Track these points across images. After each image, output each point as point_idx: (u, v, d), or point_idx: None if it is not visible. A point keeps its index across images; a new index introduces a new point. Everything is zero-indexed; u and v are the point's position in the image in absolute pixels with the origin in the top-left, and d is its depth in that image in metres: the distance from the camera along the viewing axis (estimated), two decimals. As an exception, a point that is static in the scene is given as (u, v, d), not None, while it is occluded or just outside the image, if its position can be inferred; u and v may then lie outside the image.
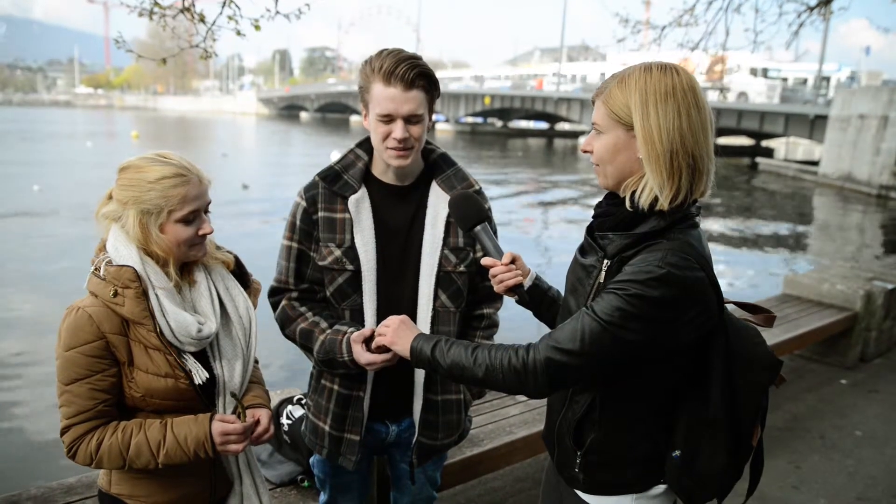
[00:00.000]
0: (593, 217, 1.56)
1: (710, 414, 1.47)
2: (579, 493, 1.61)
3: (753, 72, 42.81)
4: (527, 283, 1.73)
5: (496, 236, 1.82)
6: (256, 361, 1.86)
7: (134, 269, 1.54)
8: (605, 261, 1.47)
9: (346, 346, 1.82)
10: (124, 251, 1.56)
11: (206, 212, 1.66)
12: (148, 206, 1.55)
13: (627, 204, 1.43)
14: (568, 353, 1.39)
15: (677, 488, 1.57)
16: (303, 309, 1.97)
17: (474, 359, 1.47)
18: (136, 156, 1.62)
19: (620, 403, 1.51)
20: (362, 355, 1.77)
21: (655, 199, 1.39)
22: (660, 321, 1.35)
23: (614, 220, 1.47)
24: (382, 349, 1.72)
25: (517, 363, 1.43)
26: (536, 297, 1.76)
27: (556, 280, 1.83)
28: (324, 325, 1.93)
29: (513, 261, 1.69)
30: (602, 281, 1.47)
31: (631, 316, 1.34)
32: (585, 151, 1.53)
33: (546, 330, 1.70)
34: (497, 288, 1.70)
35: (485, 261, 1.72)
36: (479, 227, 1.74)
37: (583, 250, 1.59)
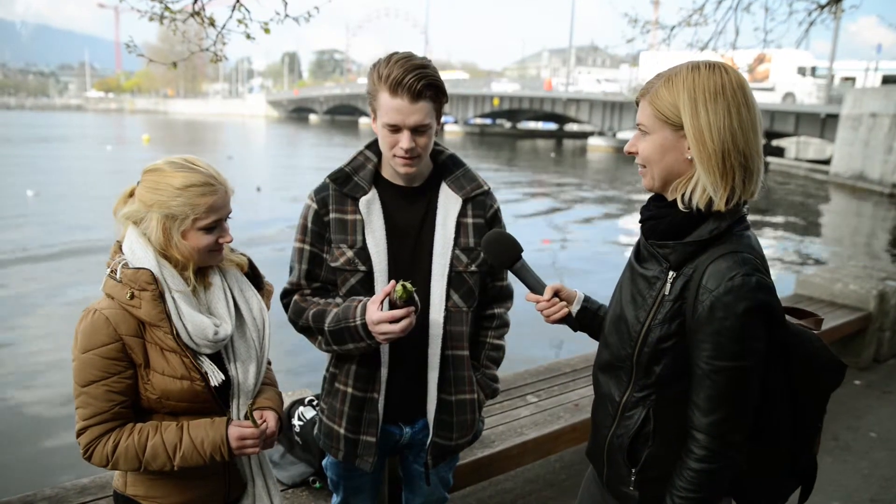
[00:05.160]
0: (642, 221, 1.52)
1: (772, 420, 1.45)
2: None
3: (801, 71, 40.04)
4: (575, 308, 1.70)
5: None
6: (269, 363, 1.87)
7: (151, 271, 1.55)
8: (671, 272, 1.43)
9: (361, 310, 1.81)
10: (141, 253, 1.57)
11: (226, 220, 1.68)
12: (173, 211, 1.56)
13: (681, 206, 1.40)
14: (728, 418, 1.37)
15: (739, 497, 1.54)
16: (315, 298, 1.98)
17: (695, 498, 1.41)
18: (162, 159, 1.63)
19: (675, 414, 1.45)
20: (375, 313, 1.75)
21: (710, 200, 1.37)
22: (769, 322, 1.36)
23: (668, 223, 1.43)
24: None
25: (707, 467, 1.38)
26: (586, 321, 1.71)
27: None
28: (338, 300, 1.94)
29: (556, 293, 1.68)
30: (667, 293, 1.42)
31: (747, 335, 1.34)
32: (630, 153, 1.50)
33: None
34: (546, 321, 1.70)
35: (528, 297, 1.71)
36: (518, 264, 1.73)
37: (640, 257, 1.54)
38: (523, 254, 1.75)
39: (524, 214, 18.21)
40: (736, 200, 1.38)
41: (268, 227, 14.20)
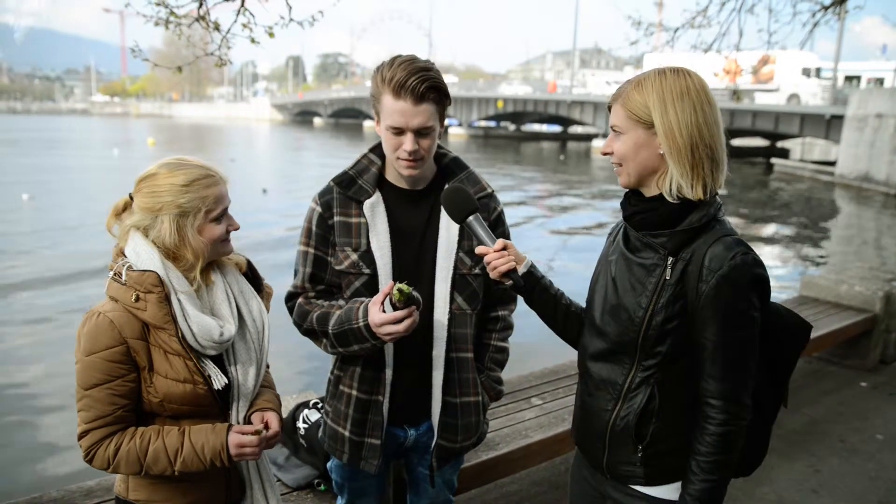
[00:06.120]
0: (629, 216, 1.62)
1: (760, 381, 1.60)
2: (637, 487, 1.66)
3: (806, 72, 40.06)
4: (521, 269, 1.75)
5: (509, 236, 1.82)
6: (267, 366, 1.87)
7: (157, 273, 1.56)
8: (669, 258, 1.54)
9: (363, 311, 1.81)
10: (145, 256, 1.58)
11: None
12: (186, 208, 1.58)
13: (669, 198, 1.52)
14: (739, 383, 1.52)
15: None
16: (319, 301, 1.98)
17: (713, 469, 1.53)
18: (153, 165, 1.64)
19: (678, 389, 1.59)
20: (377, 315, 1.76)
21: (695, 191, 1.51)
22: (764, 293, 1.52)
23: (659, 215, 1.54)
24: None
25: (727, 429, 1.51)
26: (530, 284, 1.78)
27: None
28: (341, 303, 1.94)
29: (504, 248, 1.71)
30: (668, 278, 1.53)
31: (750, 307, 1.49)
32: (605, 153, 1.61)
33: (532, 316, 1.82)
34: (492, 274, 1.72)
35: (478, 249, 1.73)
36: (471, 218, 1.75)
37: (632, 248, 1.62)
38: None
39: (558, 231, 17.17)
40: (710, 190, 1.52)
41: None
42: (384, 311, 1.76)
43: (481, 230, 1.74)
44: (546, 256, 13.08)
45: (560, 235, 16.31)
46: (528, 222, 17.49)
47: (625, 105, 1.54)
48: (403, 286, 1.70)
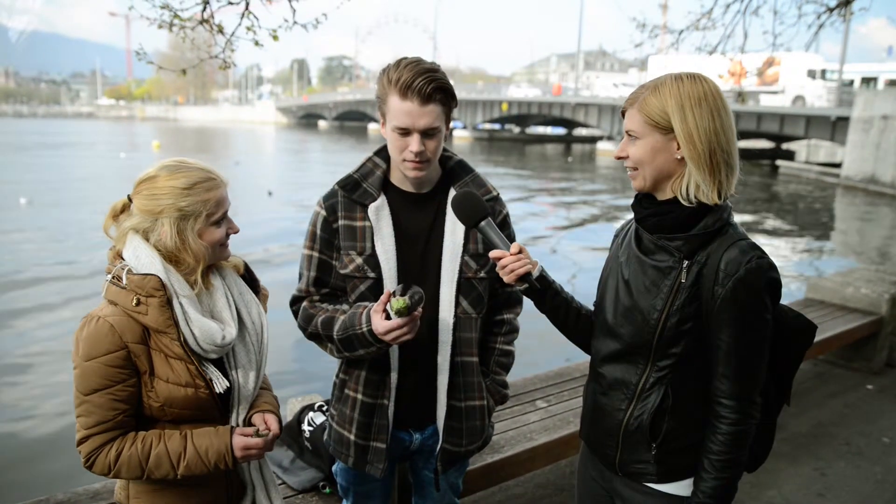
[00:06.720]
0: (643, 218, 1.63)
1: (766, 380, 1.62)
2: (650, 485, 1.68)
3: (811, 74, 39.87)
4: (534, 273, 1.75)
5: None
6: None
7: (158, 277, 1.54)
8: (685, 261, 1.55)
9: (366, 317, 1.81)
10: (146, 259, 1.56)
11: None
12: (186, 211, 1.57)
13: (684, 202, 1.54)
14: (752, 383, 1.55)
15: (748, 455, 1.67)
16: (324, 304, 1.98)
17: (726, 467, 1.56)
18: (152, 167, 1.62)
19: (690, 388, 1.61)
20: (380, 324, 1.76)
21: (707, 196, 1.53)
22: (776, 296, 1.55)
23: (674, 218, 1.56)
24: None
25: (738, 428, 1.54)
26: (543, 288, 1.79)
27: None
28: (345, 307, 1.94)
29: (520, 251, 1.71)
30: (684, 281, 1.55)
31: (765, 309, 1.52)
32: (619, 158, 1.62)
33: (542, 319, 1.84)
34: (507, 278, 1.70)
35: (493, 253, 1.72)
36: (483, 223, 1.75)
37: (646, 250, 1.63)
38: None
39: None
40: (724, 194, 1.54)
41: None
42: (388, 317, 1.76)
43: (494, 235, 1.74)
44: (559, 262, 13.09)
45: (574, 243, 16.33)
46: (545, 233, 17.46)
47: (641, 110, 1.54)
48: (400, 304, 1.68)
